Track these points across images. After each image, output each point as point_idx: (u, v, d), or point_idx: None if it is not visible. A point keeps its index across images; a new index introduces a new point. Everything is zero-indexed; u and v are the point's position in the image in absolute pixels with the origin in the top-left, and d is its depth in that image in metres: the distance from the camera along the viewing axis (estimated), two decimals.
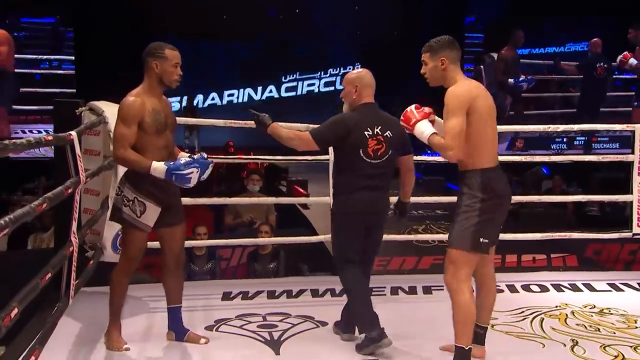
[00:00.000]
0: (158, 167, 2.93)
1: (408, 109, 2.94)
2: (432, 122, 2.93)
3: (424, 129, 2.85)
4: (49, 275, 2.72)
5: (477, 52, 12.83)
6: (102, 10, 11.25)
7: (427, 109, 2.94)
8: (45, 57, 10.64)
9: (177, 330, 3.31)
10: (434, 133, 2.83)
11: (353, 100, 3.23)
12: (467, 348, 2.73)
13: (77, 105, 3.92)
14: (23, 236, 6.31)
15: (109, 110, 3.91)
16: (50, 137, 3.15)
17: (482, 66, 12.22)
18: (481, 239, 2.76)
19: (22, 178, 9.94)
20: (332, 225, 3.39)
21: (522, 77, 10.26)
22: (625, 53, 9.31)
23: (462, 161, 2.83)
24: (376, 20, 13.40)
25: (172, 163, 2.95)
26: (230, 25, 13.23)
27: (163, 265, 3.29)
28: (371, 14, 13.31)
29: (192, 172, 2.94)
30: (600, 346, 3.23)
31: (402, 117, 2.95)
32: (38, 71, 10.52)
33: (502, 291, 4.23)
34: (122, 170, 3.77)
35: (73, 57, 11.09)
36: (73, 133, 3.31)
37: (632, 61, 9.15)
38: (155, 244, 3.60)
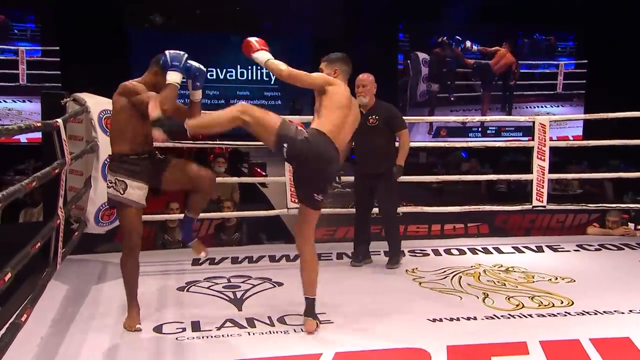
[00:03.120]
0: (171, 74, 2.74)
1: (251, 39, 2.90)
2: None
3: (263, 55, 2.85)
4: (39, 244, 2.65)
5: (405, 50, 13.15)
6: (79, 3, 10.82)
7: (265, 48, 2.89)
8: None
9: (186, 234, 3.15)
10: (270, 59, 2.84)
11: (373, 95, 3.97)
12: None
13: (63, 97, 3.81)
14: (15, 211, 6.12)
15: (91, 101, 3.81)
16: (39, 124, 3.04)
17: (409, 61, 12.93)
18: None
19: (14, 160, 9.64)
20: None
21: None
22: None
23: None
24: (320, 19, 12.96)
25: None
26: (200, 20, 12.71)
27: (197, 188, 3.00)
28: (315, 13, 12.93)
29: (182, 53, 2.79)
30: (506, 297, 3.32)
31: (244, 44, 2.89)
32: None
33: (427, 255, 4.33)
34: (103, 153, 3.70)
35: (13, 47, 11.18)
36: (59, 120, 3.22)
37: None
38: None
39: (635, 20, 10.92)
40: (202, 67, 2.93)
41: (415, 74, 13.03)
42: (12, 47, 11.13)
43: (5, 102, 11.03)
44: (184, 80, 2.87)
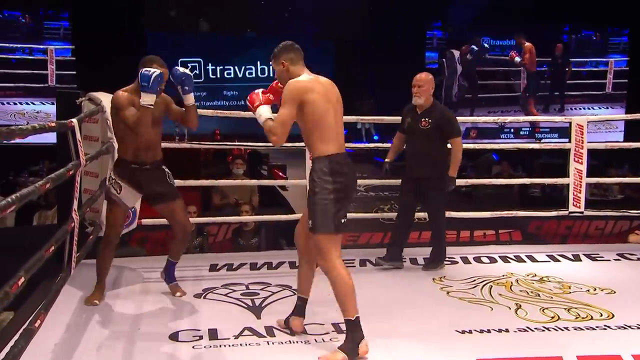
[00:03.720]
0: (143, 95, 3.05)
1: (255, 91, 2.80)
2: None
3: (262, 112, 2.73)
4: (53, 248, 2.68)
5: (441, 48, 13.06)
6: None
7: (271, 97, 2.79)
8: (19, 45, 11.57)
9: (168, 276, 3.53)
10: (270, 118, 2.70)
11: (430, 96, 3.95)
12: (354, 318, 2.60)
13: (78, 96, 3.87)
14: (29, 213, 6.23)
15: (107, 100, 3.85)
16: (53, 124, 3.08)
17: (444, 59, 12.80)
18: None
19: (28, 161, 9.82)
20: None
21: None
22: (511, 53, 12.58)
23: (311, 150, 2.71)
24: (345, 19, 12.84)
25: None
26: (217, 19, 12.82)
27: (173, 233, 3.50)
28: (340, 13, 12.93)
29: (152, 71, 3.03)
30: (540, 309, 3.27)
31: (248, 98, 2.80)
32: (13, 56, 11.62)
33: (456, 262, 4.28)
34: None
35: (43, 46, 11.58)
36: (74, 120, 3.26)
37: (517, 59, 12.55)
38: (151, 221, 3.60)
39: None
40: (187, 71, 3.22)
41: (451, 73, 12.84)
42: (42, 47, 11.38)
43: (34, 104, 11.24)
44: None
